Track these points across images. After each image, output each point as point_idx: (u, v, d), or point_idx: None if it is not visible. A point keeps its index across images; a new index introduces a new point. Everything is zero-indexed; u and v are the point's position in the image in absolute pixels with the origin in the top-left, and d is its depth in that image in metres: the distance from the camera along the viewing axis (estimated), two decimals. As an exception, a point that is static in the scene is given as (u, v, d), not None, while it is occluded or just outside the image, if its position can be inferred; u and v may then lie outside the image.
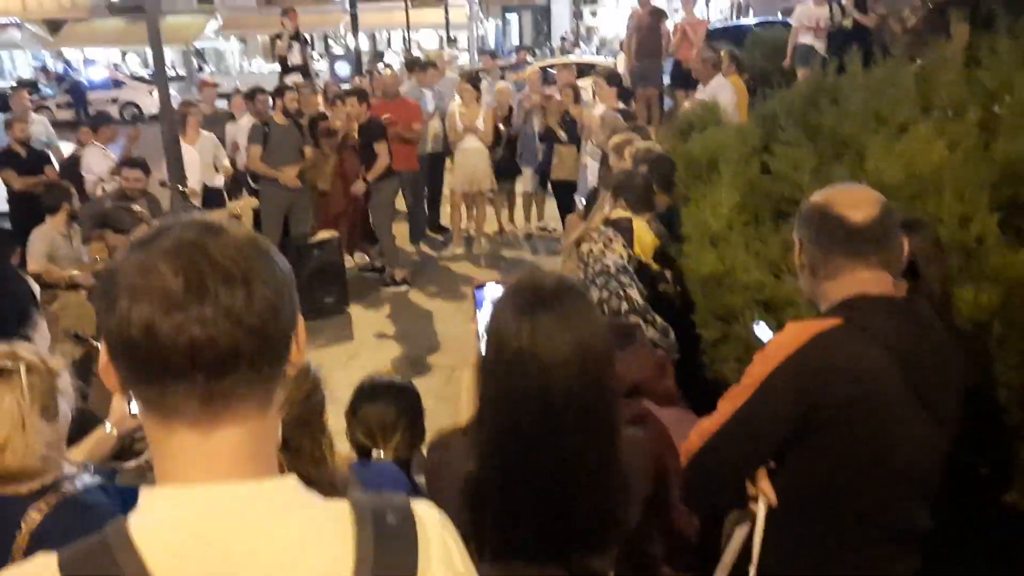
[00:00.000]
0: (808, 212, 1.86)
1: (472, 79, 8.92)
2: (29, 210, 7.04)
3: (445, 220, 9.87)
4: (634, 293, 3.05)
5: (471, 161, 8.65)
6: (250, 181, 8.31)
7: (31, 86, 28.14)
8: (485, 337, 1.60)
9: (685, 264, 3.58)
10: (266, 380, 0.93)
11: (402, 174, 8.75)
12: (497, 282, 1.98)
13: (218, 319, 0.88)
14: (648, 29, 10.22)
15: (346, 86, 11.62)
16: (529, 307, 1.54)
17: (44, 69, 34.37)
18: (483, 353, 1.60)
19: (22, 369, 1.80)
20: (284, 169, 7.55)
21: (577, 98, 8.22)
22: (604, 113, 7.00)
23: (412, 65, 9.94)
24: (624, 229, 3.70)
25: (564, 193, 8.56)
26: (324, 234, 7.55)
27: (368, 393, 2.52)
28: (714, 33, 13.10)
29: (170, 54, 35.49)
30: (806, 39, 9.39)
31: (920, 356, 1.76)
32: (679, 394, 2.98)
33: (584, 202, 6.73)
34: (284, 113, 7.72)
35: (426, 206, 9.75)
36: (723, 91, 6.59)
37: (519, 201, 9.73)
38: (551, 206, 9.35)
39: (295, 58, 10.33)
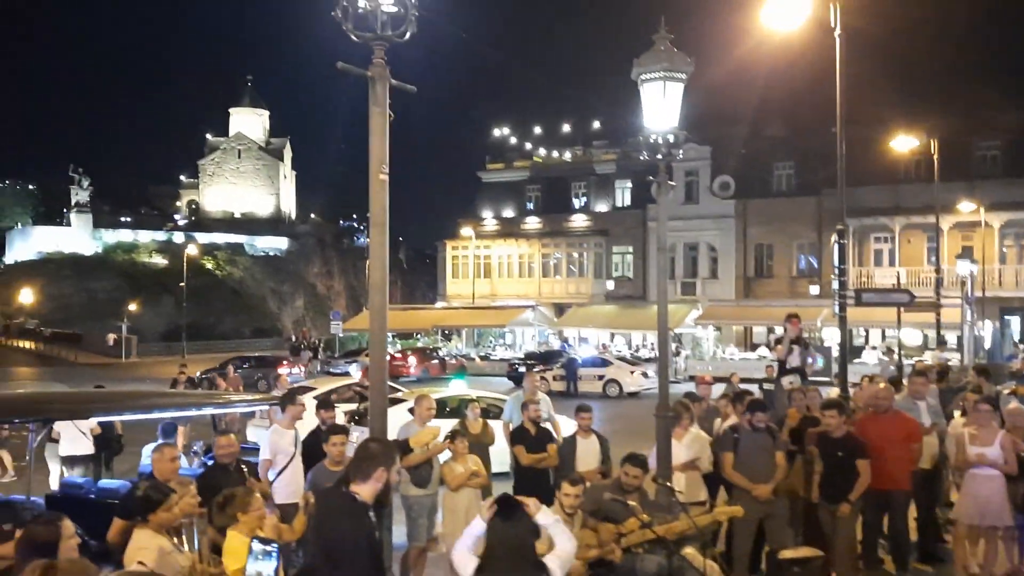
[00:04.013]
0: None
1: (991, 400, 8.06)
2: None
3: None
4: None
5: (984, 491, 7.59)
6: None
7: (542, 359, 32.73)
8: None
9: None
10: None
11: (892, 494, 8.03)
12: None
13: None
14: None
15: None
16: None
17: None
18: None
19: None
20: (758, 484, 7.42)
21: None
22: None
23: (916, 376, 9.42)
24: None
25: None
26: (806, 551, 7.01)
27: None
28: None
29: (650, 337, 38.97)
30: None
31: None
32: None
33: None
34: (751, 425, 7.69)
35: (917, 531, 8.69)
36: None
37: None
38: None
39: (794, 361, 10.54)
